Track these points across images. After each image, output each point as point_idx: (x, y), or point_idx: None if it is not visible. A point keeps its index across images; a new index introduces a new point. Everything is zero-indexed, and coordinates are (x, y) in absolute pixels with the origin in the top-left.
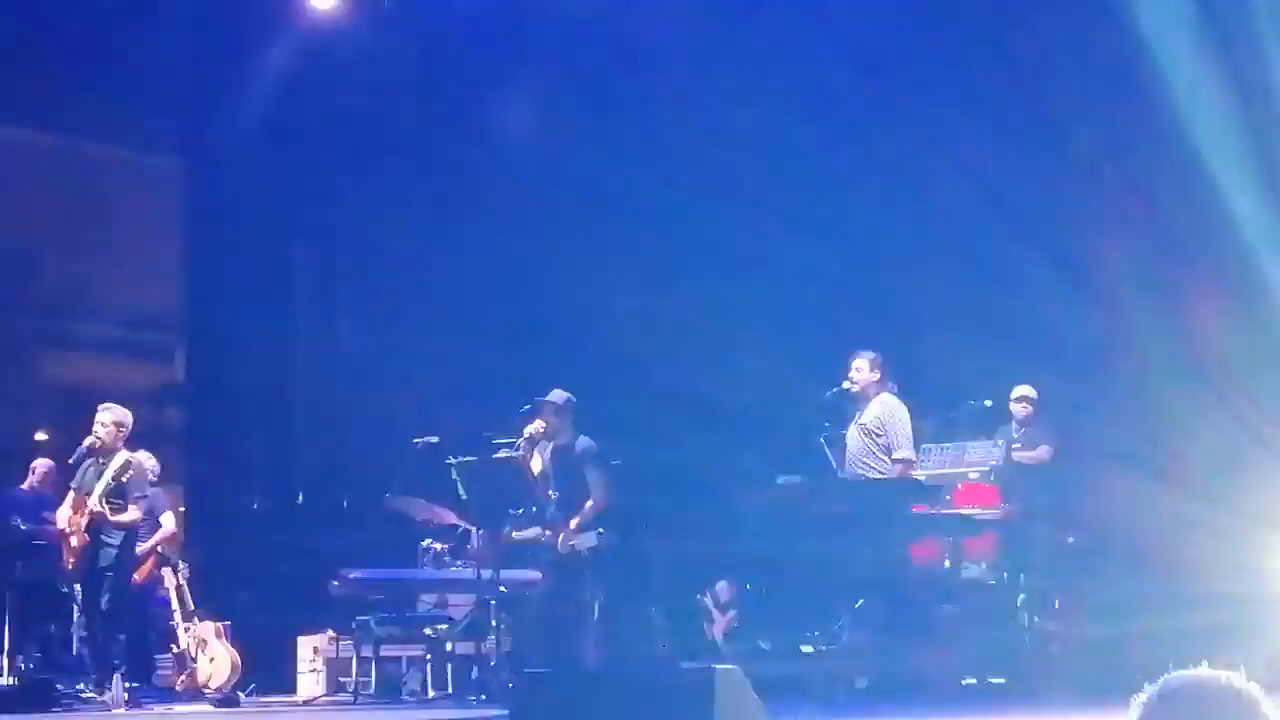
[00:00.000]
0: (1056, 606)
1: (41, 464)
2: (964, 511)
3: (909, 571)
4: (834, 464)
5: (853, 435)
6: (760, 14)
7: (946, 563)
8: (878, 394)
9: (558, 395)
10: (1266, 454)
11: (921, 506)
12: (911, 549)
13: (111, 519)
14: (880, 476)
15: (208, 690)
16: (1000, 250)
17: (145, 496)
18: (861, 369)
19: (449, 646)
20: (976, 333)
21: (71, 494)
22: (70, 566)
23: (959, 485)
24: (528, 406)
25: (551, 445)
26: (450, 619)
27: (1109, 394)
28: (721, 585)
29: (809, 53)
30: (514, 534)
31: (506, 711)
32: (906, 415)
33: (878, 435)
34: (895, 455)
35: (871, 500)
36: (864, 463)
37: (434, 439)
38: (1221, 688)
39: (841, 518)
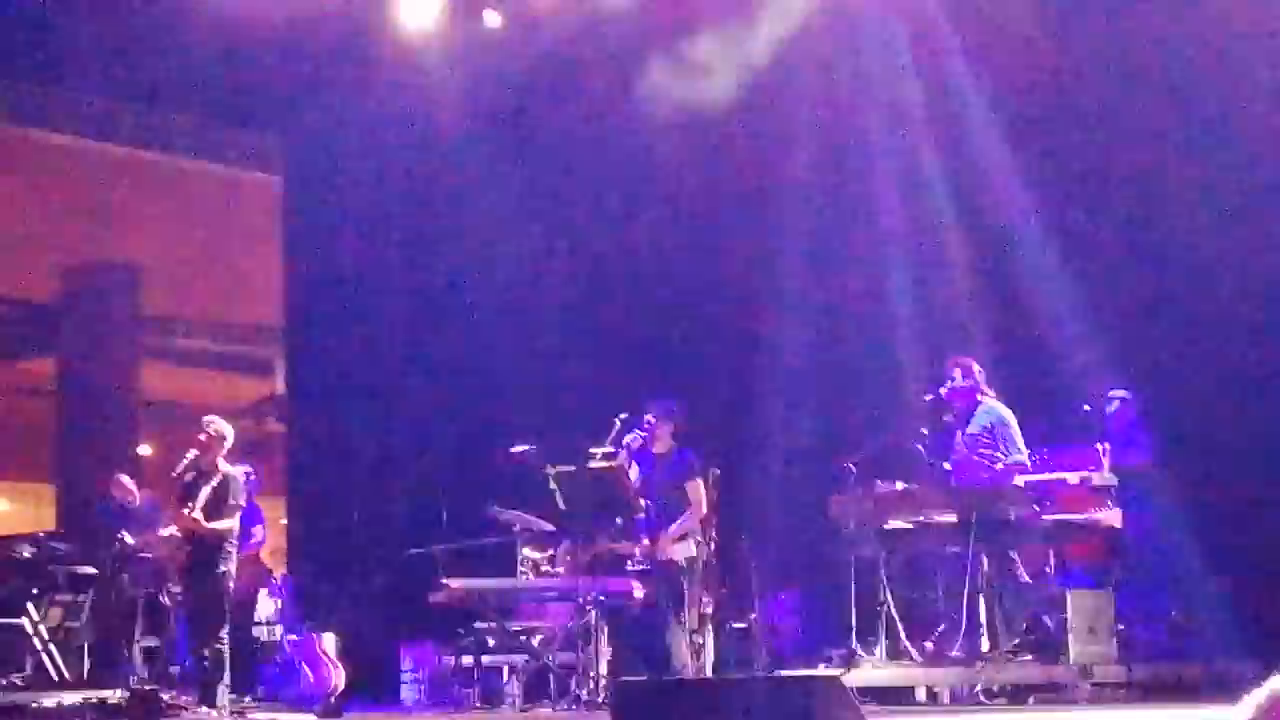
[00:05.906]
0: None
1: (127, 480)
2: (1065, 517)
3: (1011, 578)
4: (931, 468)
5: (959, 447)
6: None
7: (1049, 569)
8: (979, 402)
9: (657, 405)
10: None
11: (1023, 512)
12: (1014, 555)
13: (209, 528)
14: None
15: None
16: (1107, 249)
17: (242, 507)
18: (957, 377)
19: (549, 656)
20: (1076, 334)
21: (176, 506)
22: (174, 578)
23: (1060, 491)
24: (626, 416)
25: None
26: (551, 628)
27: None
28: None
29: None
30: (608, 545)
31: None
32: (1013, 419)
33: (985, 446)
34: (1009, 460)
35: (972, 507)
36: (972, 473)
37: (531, 448)
38: None
39: (942, 523)
